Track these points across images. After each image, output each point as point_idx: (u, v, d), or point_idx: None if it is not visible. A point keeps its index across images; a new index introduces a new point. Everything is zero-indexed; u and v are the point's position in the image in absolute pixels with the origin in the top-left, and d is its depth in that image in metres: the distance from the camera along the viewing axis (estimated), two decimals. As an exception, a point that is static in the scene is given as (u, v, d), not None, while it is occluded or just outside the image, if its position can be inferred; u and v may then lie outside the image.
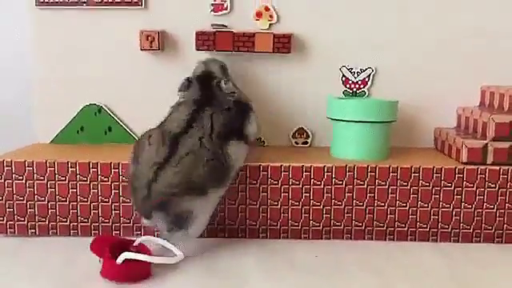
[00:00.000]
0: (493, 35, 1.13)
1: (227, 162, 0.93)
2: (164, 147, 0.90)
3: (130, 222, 1.01)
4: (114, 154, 1.06)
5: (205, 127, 0.93)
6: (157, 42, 1.12)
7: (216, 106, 0.96)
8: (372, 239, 1.01)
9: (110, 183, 1.00)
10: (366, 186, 1.00)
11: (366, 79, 1.16)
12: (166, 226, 0.88)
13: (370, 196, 1.00)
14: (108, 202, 1.01)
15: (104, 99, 1.18)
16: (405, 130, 1.17)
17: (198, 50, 1.11)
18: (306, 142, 1.19)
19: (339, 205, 1.00)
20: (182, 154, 0.89)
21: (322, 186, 1.00)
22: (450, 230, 1.00)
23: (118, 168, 1.00)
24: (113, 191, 1.00)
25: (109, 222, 1.01)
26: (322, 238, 1.01)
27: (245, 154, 0.99)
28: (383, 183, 0.99)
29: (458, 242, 1.01)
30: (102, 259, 0.82)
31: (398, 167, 0.99)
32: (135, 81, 1.16)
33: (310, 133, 1.18)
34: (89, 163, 1.00)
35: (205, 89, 1.00)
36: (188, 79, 1.01)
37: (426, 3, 1.13)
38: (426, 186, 0.99)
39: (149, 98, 1.16)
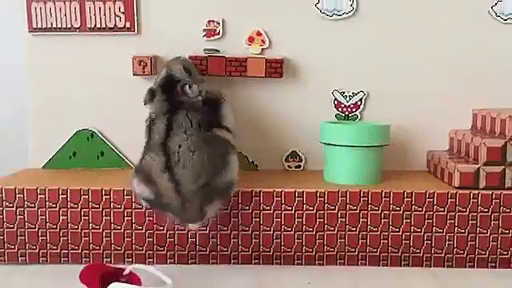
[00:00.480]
0: (484, 60, 1.14)
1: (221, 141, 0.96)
2: (158, 154, 0.92)
3: (121, 249, 1.00)
4: (106, 179, 1.06)
5: (185, 125, 0.93)
6: (149, 68, 1.12)
7: (187, 109, 0.96)
8: (366, 265, 1.00)
9: (100, 210, 1.00)
10: (358, 211, 0.99)
11: (359, 103, 1.16)
12: (219, 208, 0.95)
13: (362, 221, 0.99)
14: (99, 229, 1.00)
15: (96, 124, 1.17)
16: (398, 153, 1.17)
17: (190, 75, 1.12)
18: (300, 166, 1.18)
19: (332, 230, 1.00)
20: (175, 149, 0.91)
21: (315, 212, 0.99)
22: (443, 254, 1.00)
23: (110, 195, 0.99)
24: (104, 218, 1.00)
25: (100, 249, 1.00)
26: (315, 264, 1.01)
27: (232, 139, 0.99)
28: (376, 208, 0.99)
29: (451, 267, 1.00)
30: (91, 289, 0.81)
31: (390, 192, 0.99)
32: (128, 106, 1.16)
33: (303, 156, 1.18)
34: (80, 190, 1.00)
35: (170, 97, 0.98)
36: (151, 89, 1.00)
37: (418, 29, 1.14)
38: (419, 210, 0.99)
39: (141, 123, 1.16)
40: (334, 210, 0.99)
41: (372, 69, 1.15)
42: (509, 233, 0.99)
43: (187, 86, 0.98)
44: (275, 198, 0.99)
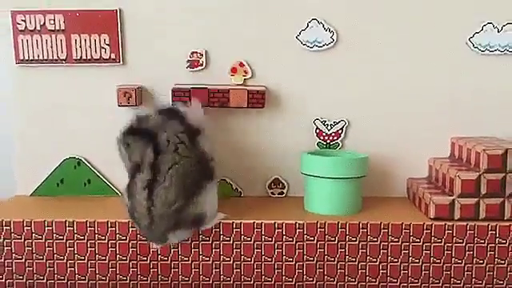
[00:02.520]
0: (462, 90, 1.17)
1: (206, 156, 1.00)
2: (145, 172, 0.96)
3: (105, 279, 1.03)
4: (92, 209, 1.09)
5: (170, 145, 0.97)
6: (134, 99, 1.14)
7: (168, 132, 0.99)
8: (344, 294, 1.03)
9: (85, 241, 1.02)
10: (336, 241, 1.02)
11: (340, 131, 1.19)
12: (186, 236, 0.99)
13: (340, 251, 1.02)
14: (84, 259, 1.03)
15: (83, 152, 1.20)
16: (378, 181, 1.20)
17: (174, 105, 1.14)
18: (282, 193, 1.21)
19: (311, 260, 1.02)
20: (164, 170, 0.95)
21: (294, 243, 1.02)
22: (419, 284, 1.02)
23: (94, 226, 1.02)
24: (88, 249, 1.02)
25: (85, 280, 1.03)
26: (294, 293, 1.03)
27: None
28: (354, 239, 1.02)
29: (427, 296, 1.03)
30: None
31: (367, 223, 1.01)
32: (113, 135, 1.17)
33: (285, 183, 1.20)
34: (65, 222, 1.02)
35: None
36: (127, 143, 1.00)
37: (396, 60, 1.16)
38: (396, 241, 1.02)
39: (127, 151, 1.19)
40: (313, 240, 1.02)
41: (352, 98, 1.17)
42: (483, 263, 1.01)
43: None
44: (255, 230, 1.02)
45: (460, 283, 1.02)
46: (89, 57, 1.16)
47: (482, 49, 1.15)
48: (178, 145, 0.97)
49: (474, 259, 1.01)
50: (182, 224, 0.97)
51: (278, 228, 1.02)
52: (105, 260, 1.03)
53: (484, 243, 1.01)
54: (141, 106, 1.15)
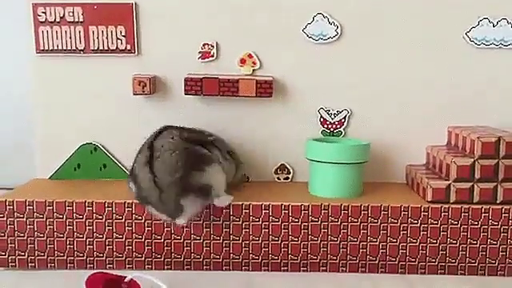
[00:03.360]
0: (459, 81, 1.23)
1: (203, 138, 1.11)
2: (143, 152, 1.07)
3: (122, 257, 1.10)
4: (108, 191, 1.15)
5: (173, 133, 1.09)
6: (148, 87, 1.21)
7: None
8: (346, 271, 1.10)
9: (104, 221, 1.09)
10: (339, 223, 1.09)
11: (343, 120, 1.25)
12: (199, 207, 1.04)
13: (343, 232, 1.09)
14: (102, 237, 1.09)
15: (99, 139, 1.26)
16: (379, 167, 1.26)
17: (186, 94, 1.21)
18: (288, 178, 1.28)
19: (315, 240, 1.09)
20: (159, 147, 1.06)
21: (300, 223, 1.09)
22: (416, 262, 1.09)
23: (112, 207, 1.09)
24: (107, 228, 1.09)
25: (103, 257, 1.10)
26: (299, 271, 1.10)
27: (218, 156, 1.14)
28: (355, 220, 1.08)
29: (424, 273, 1.09)
30: (96, 296, 0.90)
31: (368, 206, 1.08)
32: (128, 122, 1.25)
33: (291, 169, 1.27)
34: (85, 202, 1.09)
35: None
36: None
37: (397, 52, 1.23)
38: (395, 222, 1.08)
39: (140, 138, 1.25)
40: (318, 221, 1.09)
41: (355, 89, 1.24)
42: (476, 243, 1.08)
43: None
44: (263, 211, 1.08)
45: (455, 262, 1.09)
46: (106, 47, 1.23)
47: (478, 43, 1.22)
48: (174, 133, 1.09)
49: (468, 240, 1.08)
50: (190, 190, 1.01)
51: (285, 210, 1.08)
52: (122, 238, 1.09)
53: (477, 225, 1.08)
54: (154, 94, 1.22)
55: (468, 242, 1.08)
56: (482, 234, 1.08)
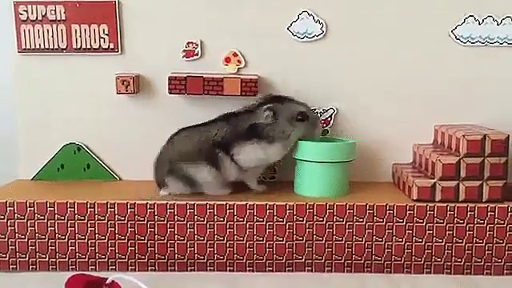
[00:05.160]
0: (445, 79, 1.23)
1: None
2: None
3: (105, 258, 1.08)
4: (92, 192, 1.14)
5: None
6: (132, 86, 1.19)
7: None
8: (331, 271, 1.09)
9: (85, 222, 1.07)
10: (325, 222, 1.08)
11: (329, 119, 1.24)
12: (182, 189, 1.13)
13: (328, 231, 1.08)
14: (84, 239, 1.08)
15: (83, 138, 1.25)
16: (366, 166, 1.25)
17: (170, 93, 1.19)
18: (274, 177, 1.26)
19: (300, 240, 1.08)
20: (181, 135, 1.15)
21: (285, 223, 1.08)
22: (402, 262, 1.08)
23: (94, 207, 1.07)
24: (89, 229, 1.07)
25: (85, 258, 1.08)
26: (285, 271, 1.09)
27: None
28: (341, 220, 1.07)
29: (410, 273, 1.08)
30: (75, 298, 0.89)
31: (354, 205, 1.07)
32: (112, 121, 1.24)
33: (276, 168, 1.26)
34: (66, 203, 1.07)
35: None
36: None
37: (383, 50, 1.22)
38: (380, 221, 1.07)
39: (124, 137, 1.24)
40: (303, 221, 1.07)
41: (341, 87, 1.23)
42: (462, 242, 1.08)
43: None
44: (248, 211, 1.07)
45: (440, 261, 1.08)
46: (88, 46, 1.21)
47: (464, 40, 1.21)
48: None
49: (454, 238, 1.07)
50: (175, 174, 1.12)
51: (270, 209, 1.07)
52: (104, 239, 1.08)
53: (463, 223, 1.07)
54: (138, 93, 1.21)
55: (454, 241, 1.08)
56: (467, 233, 1.07)
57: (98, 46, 1.21)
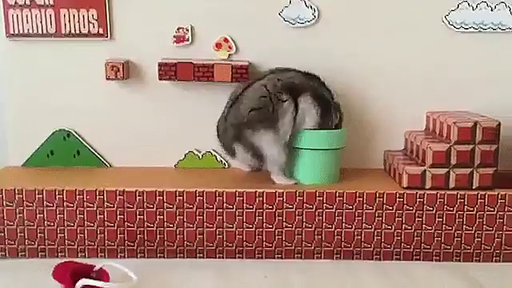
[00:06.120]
0: (438, 65, 1.22)
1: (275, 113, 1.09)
2: (237, 90, 1.13)
3: (94, 245, 1.08)
4: (82, 179, 1.13)
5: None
6: (121, 72, 1.18)
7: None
8: (321, 258, 1.09)
9: (74, 209, 1.07)
10: (314, 209, 1.07)
11: (320, 105, 1.23)
12: (249, 160, 1.12)
13: (318, 219, 1.08)
14: (73, 226, 1.07)
15: (72, 125, 1.24)
16: (358, 153, 1.25)
17: (160, 79, 1.18)
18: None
19: (290, 227, 1.08)
20: (249, 95, 1.11)
21: (274, 210, 1.07)
22: (392, 249, 1.08)
23: (83, 194, 1.07)
24: (78, 216, 1.07)
25: (74, 245, 1.08)
26: (274, 258, 1.09)
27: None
28: (330, 207, 1.07)
29: (399, 260, 1.08)
30: (63, 286, 0.88)
31: (343, 192, 1.07)
32: (101, 108, 1.23)
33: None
34: (55, 190, 1.07)
35: None
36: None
37: (376, 36, 1.21)
38: (370, 209, 1.07)
39: (114, 123, 1.23)
40: (292, 208, 1.07)
41: (332, 74, 1.21)
42: (451, 229, 1.07)
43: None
44: (237, 198, 1.07)
45: (430, 248, 1.08)
46: (77, 31, 1.20)
47: (457, 26, 1.20)
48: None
49: (444, 226, 1.07)
50: (242, 140, 1.09)
51: (259, 197, 1.07)
52: (93, 226, 1.07)
53: (453, 211, 1.07)
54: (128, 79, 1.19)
55: (443, 229, 1.08)
56: (457, 221, 1.07)
57: (87, 32, 1.20)
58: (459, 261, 1.08)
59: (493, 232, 1.07)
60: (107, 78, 1.18)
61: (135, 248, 1.08)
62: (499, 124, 1.06)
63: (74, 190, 1.06)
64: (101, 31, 1.20)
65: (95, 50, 1.20)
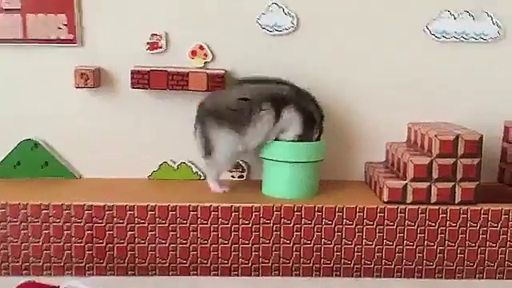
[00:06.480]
0: (419, 75, 1.19)
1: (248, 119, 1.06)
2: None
3: (60, 262, 1.02)
4: (48, 191, 1.08)
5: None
6: (92, 80, 1.13)
7: None
8: (299, 275, 1.05)
9: (40, 224, 1.01)
10: (292, 224, 1.03)
11: (299, 115, 1.19)
12: (198, 146, 1.09)
13: (296, 234, 1.03)
14: (39, 242, 1.02)
15: (40, 135, 1.18)
16: (338, 165, 1.21)
17: (133, 87, 1.13)
18: (242, 176, 1.22)
19: (267, 243, 1.03)
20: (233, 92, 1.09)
21: (251, 225, 1.03)
22: (372, 266, 1.05)
23: (48, 209, 1.01)
24: (43, 232, 1.01)
25: (39, 262, 1.02)
26: (250, 275, 1.04)
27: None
28: (309, 222, 1.03)
29: (380, 277, 1.05)
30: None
31: (322, 207, 1.03)
32: (71, 117, 1.18)
33: (245, 167, 1.21)
34: (19, 204, 1.01)
35: None
36: None
37: (355, 45, 1.17)
38: (350, 224, 1.03)
39: (85, 133, 1.18)
40: (269, 223, 1.03)
41: (312, 83, 1.17)
42: (434, 245, 1.04)
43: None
44: (212, 213, 1.02)
45: (412, 265, 1.05)
46: (45, 37, 1.14)
47: (438, 35, 1.17)
48: None
49: (426, 241, 1.04)
50: (204, 125, 1.08)
51: (235, 211, 1.02)
52: (60, 243, 1.02)
53: (435, 226, 1.04)
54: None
55: (425, 244, 1.04)
56: (439, 236, 1.04)
57: (55, 37, 1.14)
58: (441, 278, 1.05)
59: (475, 248, 1.04)
60: (77, 86, 1.13)
61: (104, 265, 1.03)
62: (481, 137, 1.03)
63: (39, 204, 1.01)
64: (70, 37, 1.15)
65: (64, 57, 1.15)
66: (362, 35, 1.17)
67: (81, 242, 1.02)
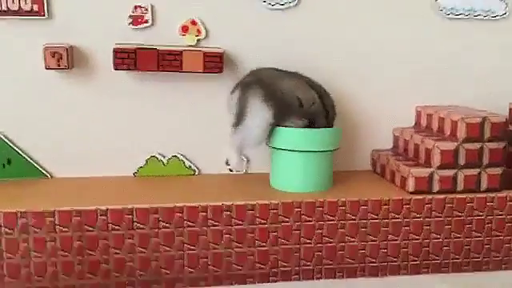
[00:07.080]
0: (424, 56, 1.11)
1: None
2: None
3: (41, 280, 0.85)
4: (9, 194, 0.91)
5: None
6: (65, 60, 0.95)
7: None
8: (321, 278, 0.94)
9: (16, 236, 0.83)
10: (313, 222, 0.92)
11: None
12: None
13: (317, 233, 0.92)
14: (14, 258, 0.83)
15: (3, 127, 0.99)
16: (342, 154, 1.10)
17: (116, 69, 0.96)
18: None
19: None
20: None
21: (267, 225, 0.91)
22: (398, 263, 0.96)
23: (26, 217, 0.83)
24: (20, 245, 0.84)
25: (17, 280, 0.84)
26: (268, 281, 0.92)
27: None
28: (332, 218, 0.92)
29: (406, 274, 0.97)
30: None
31: (345, 201, 0.93)
32: (39, 105, 0.99)
33: (245, 159, 1.08)
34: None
35: None
36: None
37: (360, 23, 1.08)
38: (375, 218, 0.94)
39: (56, 124, 1.00)
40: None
41: (315, 62, 1.06)
42: (460, 236, 0.97)
43: None
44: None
45: (438, 259, 0.97)
46: (5, 8, 0.94)
47: (447, 12, 1.10)
48: None
49: (452, 233, 0.97)
50: (252, 91, 0.97)
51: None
52: (41, 257, 0.84)
53: (462, 216, 0.97)
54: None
55: (452, 236, 0.97)
56: (466, 227, 0.97)
57: (17, 8, 0.95)
58: (467, 271, 0.98)
59: (502, 237, 0.98)
60: (47, 68, 0.95)
61: (97, 282, 0.86)
62: (507, 119, 0.97)
63: (14, 212, 0.83)
64: (35, 8, 0.96)
65: (30, 33, 0.97)
66: (366, 12, 1.08)
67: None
